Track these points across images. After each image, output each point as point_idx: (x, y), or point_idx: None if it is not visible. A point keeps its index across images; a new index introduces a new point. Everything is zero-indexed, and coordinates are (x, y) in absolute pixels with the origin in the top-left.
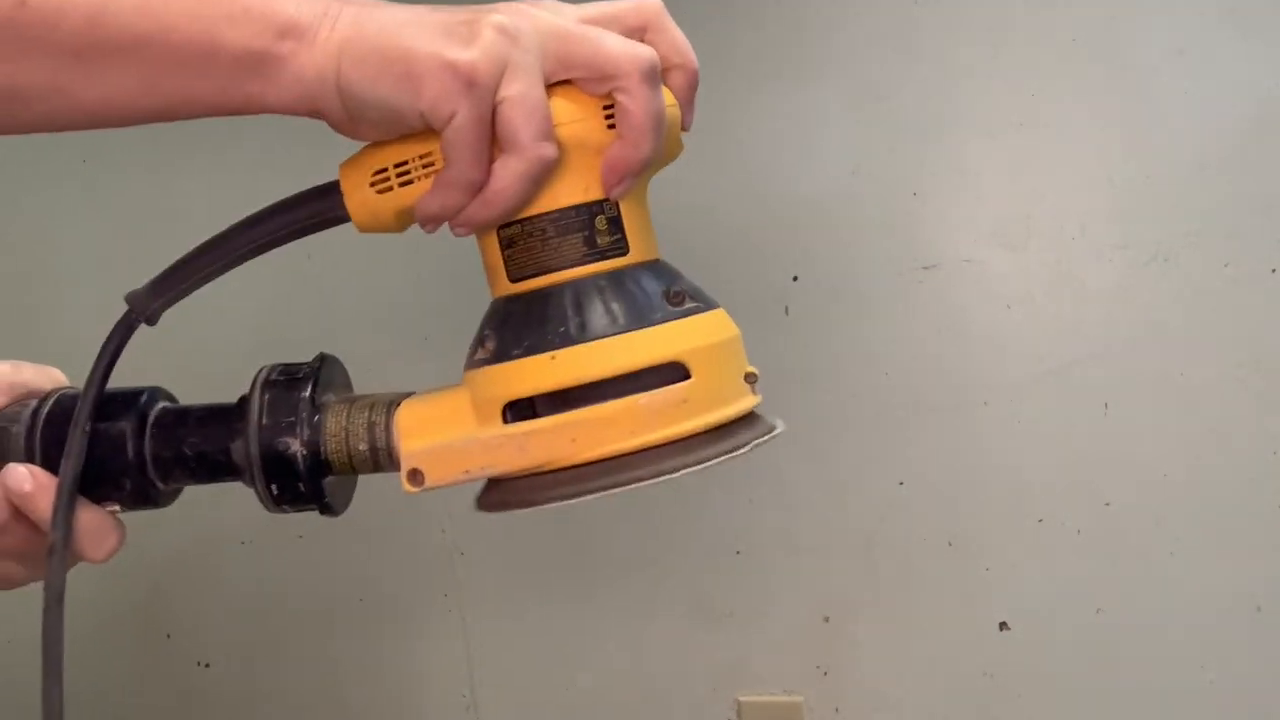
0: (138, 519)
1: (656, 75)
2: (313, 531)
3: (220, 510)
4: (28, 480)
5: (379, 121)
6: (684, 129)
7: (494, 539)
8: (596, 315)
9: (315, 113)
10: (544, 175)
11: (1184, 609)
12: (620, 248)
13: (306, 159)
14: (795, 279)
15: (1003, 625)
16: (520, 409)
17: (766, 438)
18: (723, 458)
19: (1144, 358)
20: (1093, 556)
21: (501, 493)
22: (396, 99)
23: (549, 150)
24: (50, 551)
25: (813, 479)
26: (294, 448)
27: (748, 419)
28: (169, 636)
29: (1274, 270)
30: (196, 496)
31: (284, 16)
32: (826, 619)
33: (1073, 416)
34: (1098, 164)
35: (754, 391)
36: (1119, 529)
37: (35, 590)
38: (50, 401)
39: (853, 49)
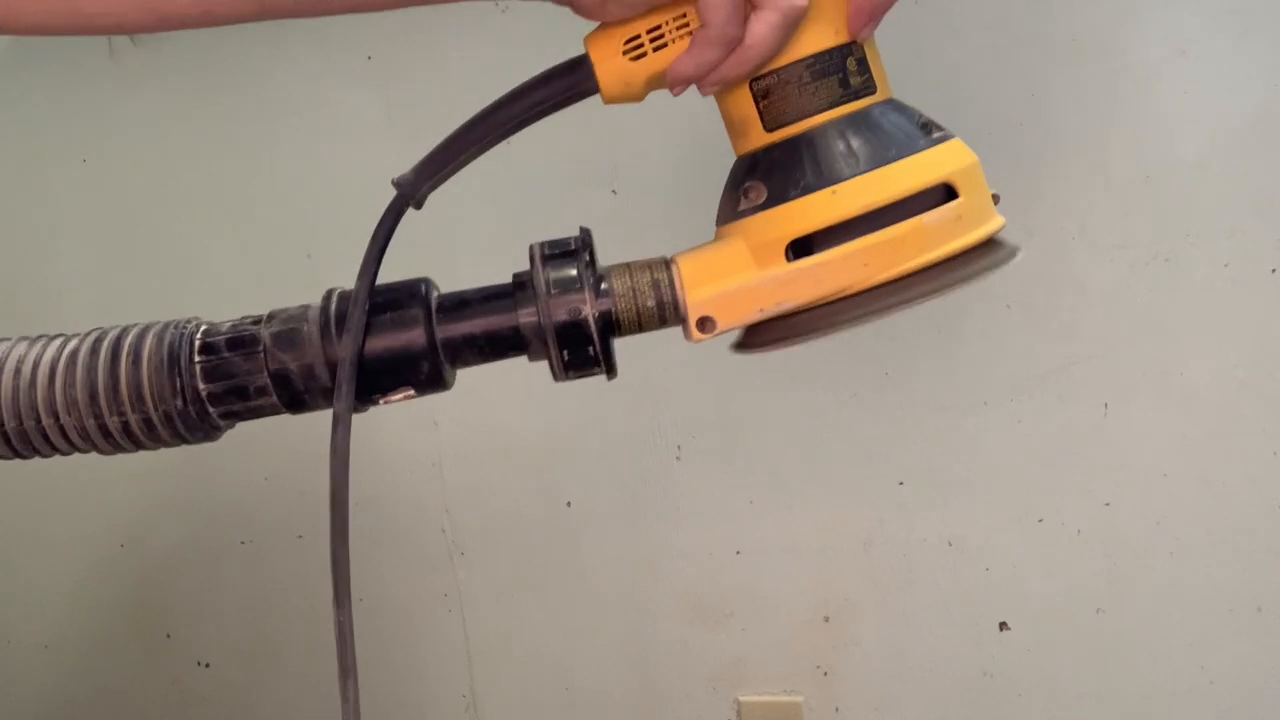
0: (138, 519)
1: None
2: (313, 532)
3: (220, 510)
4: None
5: (633, 1)
6: None
7: (494, 539)
8: (866, 149)
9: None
10: (796, 24)
11: (1184, 609)
12: (870, 87)
13: (307, 157)
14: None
15: (1003, 625)
16: (799, 249)
17: (1019, 255)
18: (995, 270)
19: (1144, 358)
20: (1093, 556)
21: (783, 329)
22: None
23: (799, 0)
24: (335, 424)
25: (813, 479)
26: (585, 313)
27: (998, 237)
28: (169, 636)
29: (1274, 270)
30: (197, 496)
31: None
32: (826, 619)
33: (1073, 416)
34: (1098, 164)
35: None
36: (1119, 529)
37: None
38: (333, 298)
39: None
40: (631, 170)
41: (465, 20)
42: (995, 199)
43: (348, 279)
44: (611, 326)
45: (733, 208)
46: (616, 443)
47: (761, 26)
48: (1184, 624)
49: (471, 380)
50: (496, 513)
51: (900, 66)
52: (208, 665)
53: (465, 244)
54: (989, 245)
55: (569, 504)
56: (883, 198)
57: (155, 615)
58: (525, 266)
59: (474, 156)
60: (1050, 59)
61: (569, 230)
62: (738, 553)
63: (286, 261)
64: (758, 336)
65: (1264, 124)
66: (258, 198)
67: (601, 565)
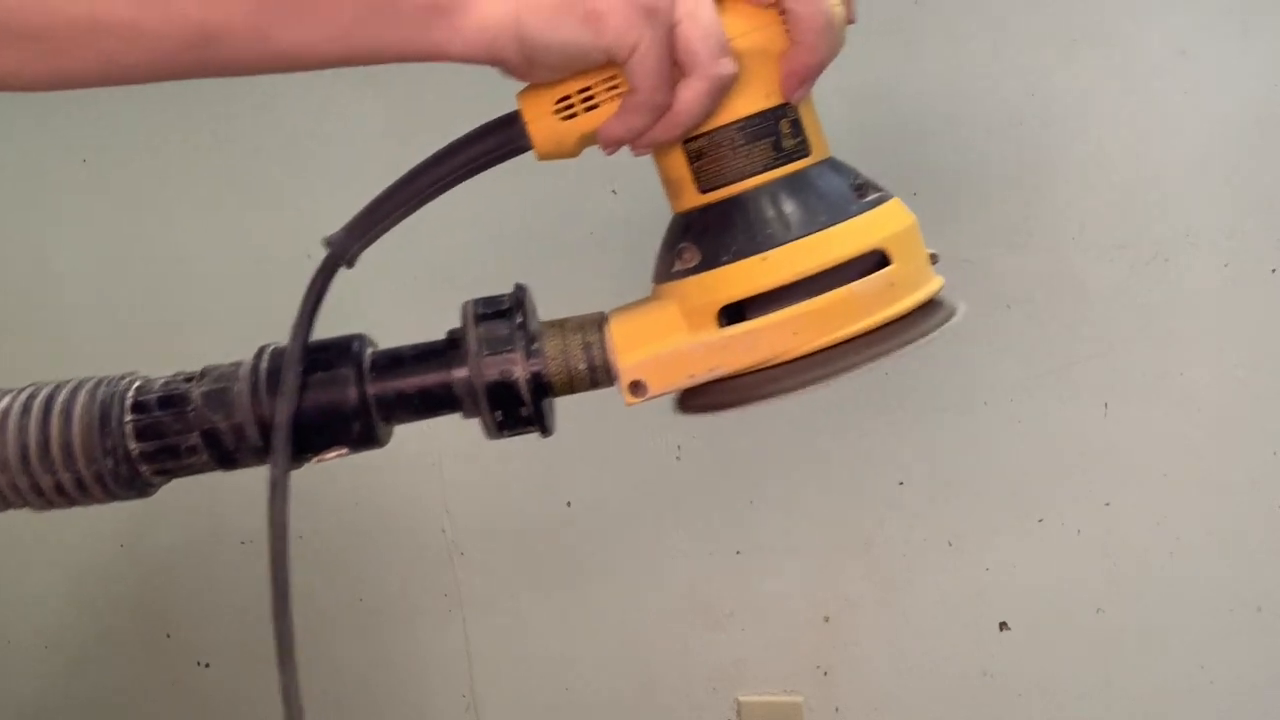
0: (136, 518)
1: None
2: (313, 532)
3: (220, 510)
4: None
5: (558, 64)
6: (851, 22)
7: (494, 539)
8: (797, 215)
9: (495, 62)
10: (726, 90)
11: (1184, 609)
12: (804, 149)
13: (309, 156)
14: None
15: (1003, 625)
16: (731, 314)
17: (958, 316)
18: (929, 336)
19: (1144, 358)
20: (1093, 556)
21: (717, 394)
22: (579, 40)
23: (729, 67)
24: (272, 488)
25: (813, 479)
26: (516, 374)
27: (935, 299)
28: (169, 636)
29: (1274, 270)
30: (196, 497)
31: None
32: (826, 619)
33: (1073, 416)
34: (1098, 164)
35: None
36: (1119, 529)
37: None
38: (265, 357)
39: (853, 49)
40: (632, 170)
41: None
42: (934, 259)
43: (348, 278)
44: (544, 388)
45: (667, 268)
46: (616, 443)
47: (689, 94)
48: (1184, 624)
49: None
50: (496, 513)
51: (900, 67)
52: (208, 665)
53: (467, 243)
54: (928, 307)
55: (569, 504)
56: (813, 265)
57: (155, 615)
58: (524, 263)
59: (406, 215)
60: (1050, 59)
61: (570, 236)
62: (738, 553)
63: (286, 262)
64: (695, 400)
65: (1264, 124)
66: (258, 198)
67: (601, 565)
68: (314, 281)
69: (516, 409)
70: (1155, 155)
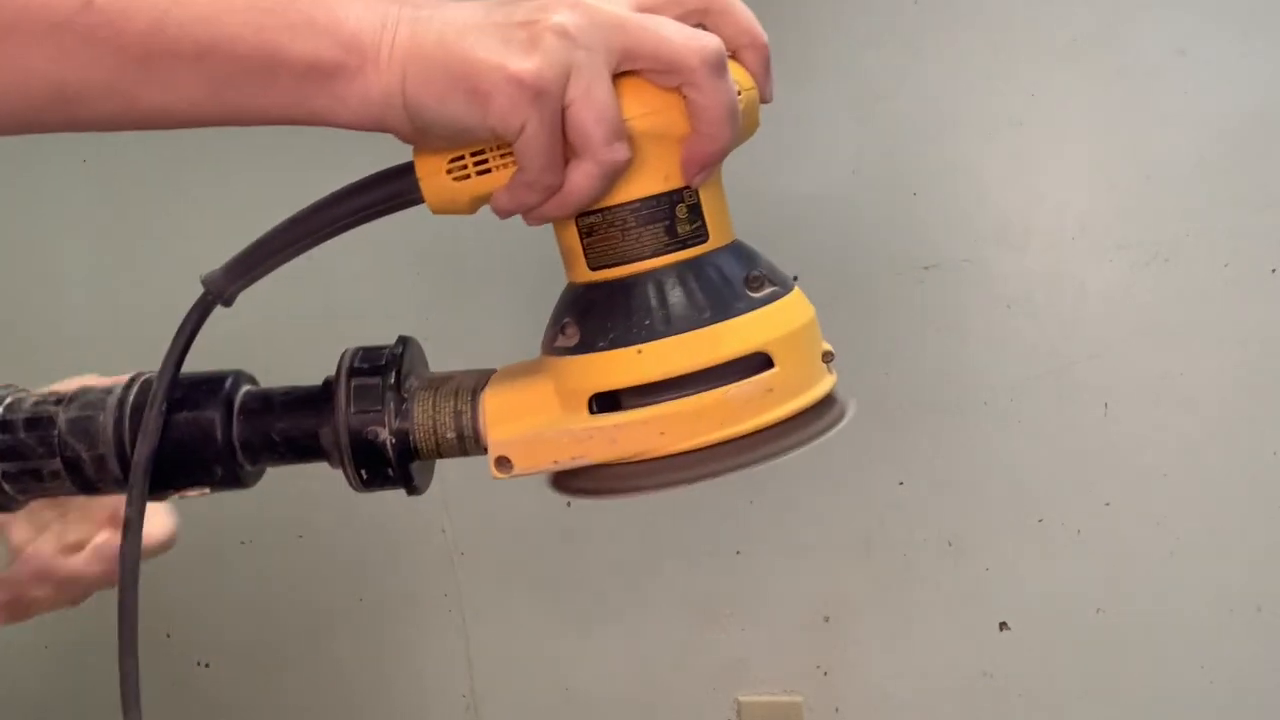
0: None
1: (723, 64)
2: (313, 532)
3: (220, 510)
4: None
5: (448, 136)
6: (766, 101)
7: (494, 539)
8: (681, 307)
9: (382, 130)
10: (618, 174)
11: (1184, 609)
12: (700, 235)
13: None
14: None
15: (1003, 625)
16: (605, 399)
17: (843, 423)
18: (805, 445)
19: (1144, 358)
20: (1093, 556)
21: (585, 480)
22: (465, 116)
23: (621, 152)
24: (125, 527)
25: (813, 479)
26: (383, 436)
27: (824, 400)
28: (169, 636)
29: (1274, 270)
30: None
31: (347, 30)
32: (826, 619)
33: (1073, 416)
34: (1098, 164)
35: (830, 370)
36: (1119, 529)
37: None
38: (134, 388)
39: (853, 49)
40: None
41: None
42: (828, 357)
43: (347, 278)
44: (409, 452)
45: (551, 340)
46: None
47: (579, 176)
48: (1184, 624)
49: None
50: (496, 513)
51: (900, 66)
52: (208, 665)
53: (470, 232)
54: (815, 410)
55: (569, 504)
56: (687, 365)
57: (155, 615)
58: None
59: (289, 258)
60: (1050, 59)
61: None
62: (738, 553)
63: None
64: (565, 481)
65: (1264, 124)
66: (258, 198)
67: (601, 565)
68: (187, 320)
69: (382, 468)
70: (1155, 155)
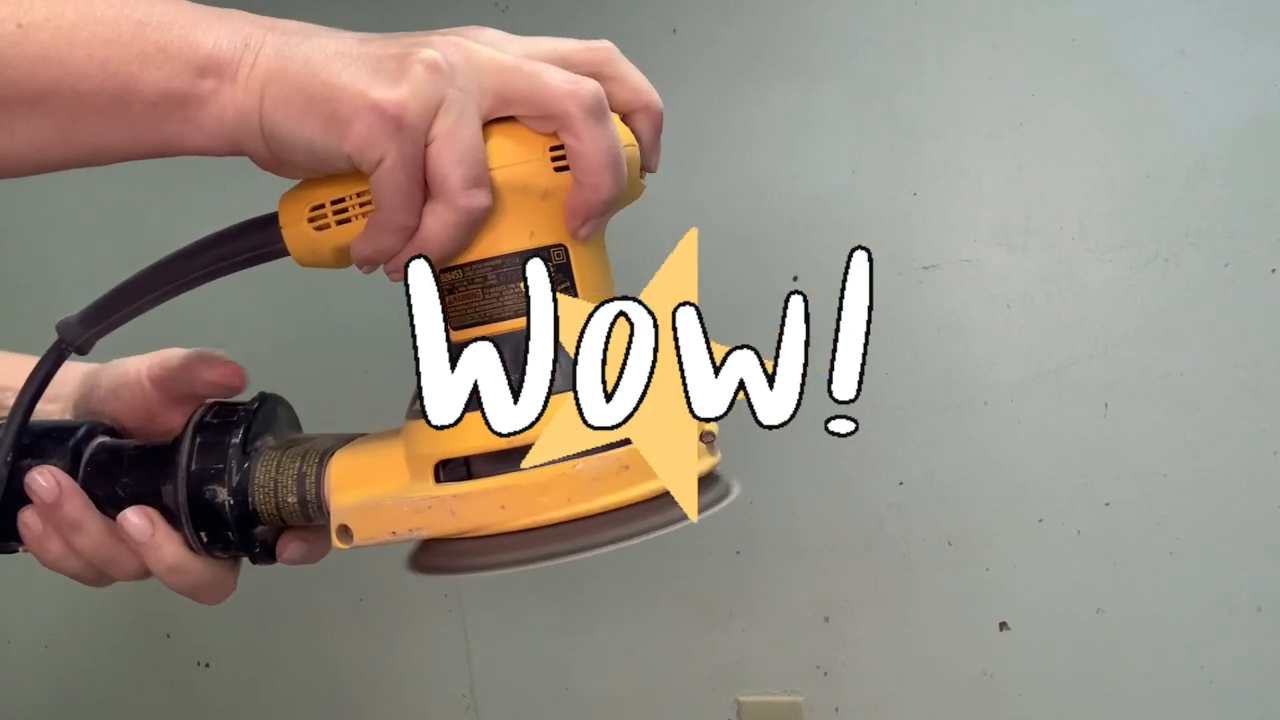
0: None
1: (603, 110)
2: None
3: None
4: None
5: (305, 163)
6: (650, 171)
7: None
8: None
9: (238, 153)
10: (476, 224)
11: (1184, 609)
12: (569, 296)
13: None
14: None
15: (1003, 625)
16: (455, 468)
17: (716, 507)
18: (661, 531)
19: (1144, 358)
20: (1093, 556)
21: (430, 555)
22: (322, 141)
23: (480, 199)
24: None
25: (813, 479)
26: (221, 497)
27: (702, 480)
28: (169, 636)
29: (1274, 270)
30: None
31: (203, 53)
32: (826, 619)
33: (1073, 416)
34: (1098, 164)
35: (712, 451)
36: (1119, 529)
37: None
38: None
39: (853, 49)
40: None
41: (466, 19)
42: (709, 437)
43: (347, 278)
44: (250, 516)
45: (411, 402)
46: None
47: (434, 221)
48: (1184, 624)
49: None
50: None
51: (900, 66)
52: (208, 665)
53: None
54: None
55: None
56: (534, 436)
57: (155, 615)
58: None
59: (147, 308)
60: (1050, 59)
61: None
62: (738, 553)
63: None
64: (416, 554)
65: (1264, 124)
66: (258, 199)
67: (601, 565)
68: (39, 367)
69: (222, 531)
70: (1155, 155)
